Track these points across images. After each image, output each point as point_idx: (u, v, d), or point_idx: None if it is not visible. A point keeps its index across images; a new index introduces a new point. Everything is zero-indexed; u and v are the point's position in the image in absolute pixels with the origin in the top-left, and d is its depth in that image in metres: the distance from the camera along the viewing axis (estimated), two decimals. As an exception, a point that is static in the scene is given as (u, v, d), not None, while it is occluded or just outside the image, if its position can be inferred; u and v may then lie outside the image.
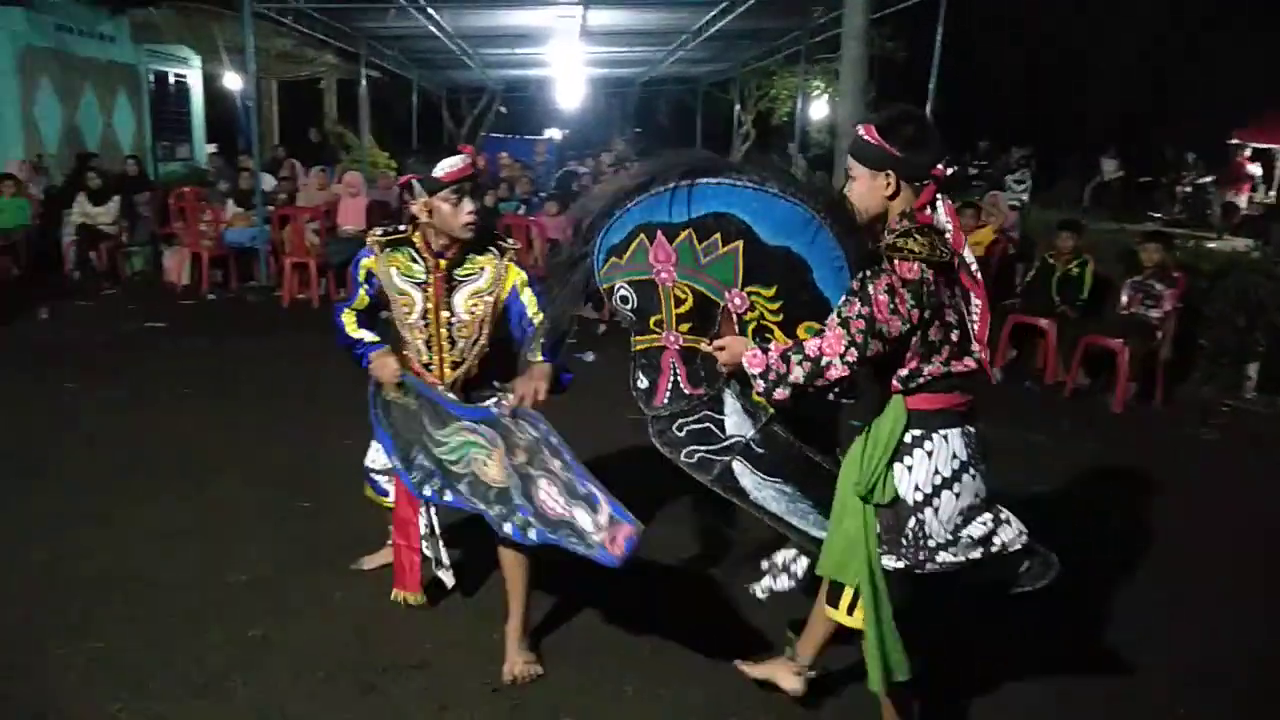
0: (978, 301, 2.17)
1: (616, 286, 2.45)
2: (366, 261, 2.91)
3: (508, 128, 25.74)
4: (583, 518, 2.56)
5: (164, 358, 6.66)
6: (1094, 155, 16.09)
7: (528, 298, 2.87)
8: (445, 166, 2.70)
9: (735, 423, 2.45)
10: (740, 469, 2.46)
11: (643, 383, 2.50)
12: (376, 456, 3.21)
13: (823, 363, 2.09)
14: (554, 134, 26.85)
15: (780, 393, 2.16)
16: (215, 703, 2.68)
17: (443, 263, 2.83)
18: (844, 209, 2.24)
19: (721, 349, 2.31)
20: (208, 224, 9.45)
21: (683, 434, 2.46)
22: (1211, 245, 8.49)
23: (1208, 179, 15.78)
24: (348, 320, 2.99)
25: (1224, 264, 6.87)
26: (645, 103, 25.88)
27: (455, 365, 2.90)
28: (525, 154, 15.15)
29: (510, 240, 2.95)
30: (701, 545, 3.81)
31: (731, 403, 2.45)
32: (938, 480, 2.16)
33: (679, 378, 2.45)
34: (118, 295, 9.01)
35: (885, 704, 2.37)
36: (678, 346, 2.43)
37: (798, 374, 2.12)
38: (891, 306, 2.04)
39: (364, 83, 15.72)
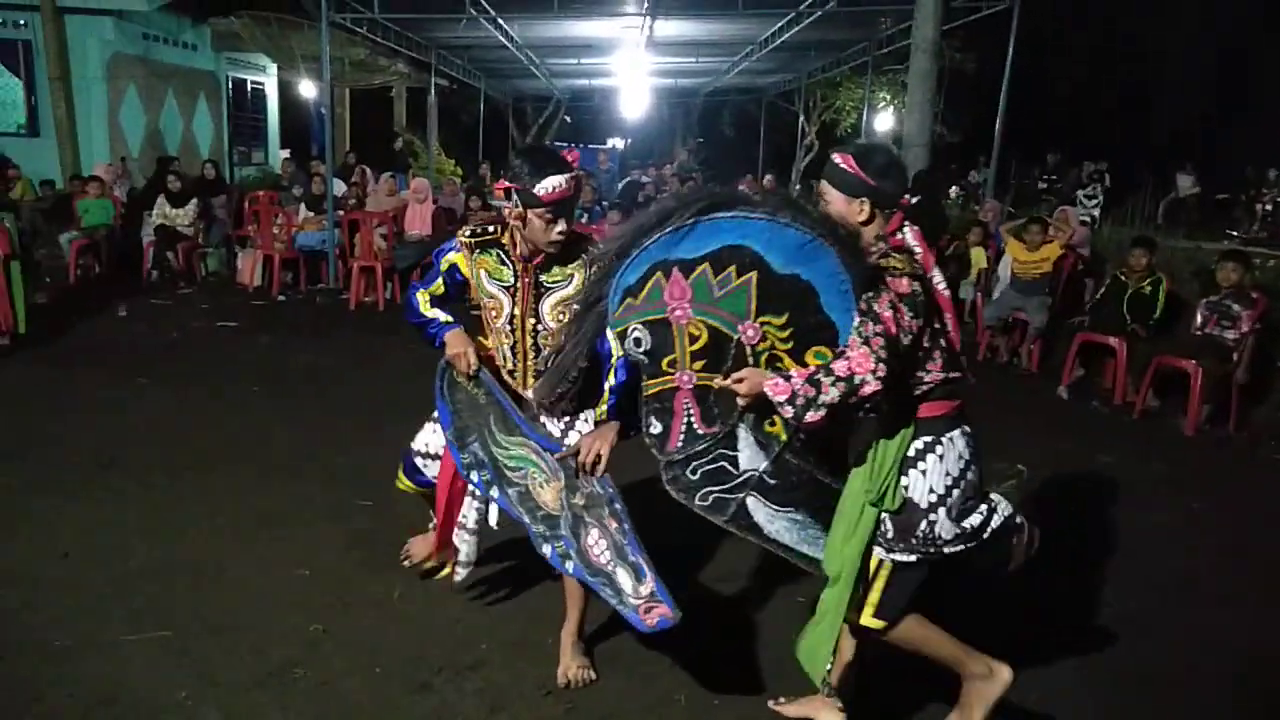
0: (948, 315, 2.33)
1: (630, 329, 2.43)
2: (453, 256, 2.84)
3: (572, 136, 25.99)
4: (625, 580, 2.56)
5: (234, 356, 6.86)
6: (1170, 171, 15.66)
7: None
8: (548, 185, 2.57)
9: (749, 457, 2.45)
10: (754, 504, 2.46)
11: (655, 428, 2.47)
12: (428, 439, 3.08)
13: (856, 380, 2.15)
14: (617, 143, 27.04)
15: (813, 415, 2.19)
16: (276, 693, 2.75)
17: (530, 267, 2.75)
18: (850, 234, 2.32)
19: (740, 381, 2.31)
20: (280, 227, 9.71)
21: (696, 476, 2.46)
22: (1293, 265, 8.19)
23: (1290, 196, 15.23)
24: (422, 299, 2.90)
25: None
26: (709, 113, 25.90)
27: (539, 374, 2.78)
28: (589, 163, 15.26)
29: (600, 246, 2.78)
30: (756, 558, 3.79)
31: (745, 437, 2.44)
32: (948, 481, 2.28)
33: (692, 418, 2.44)
34: (193, 295, 9.30)
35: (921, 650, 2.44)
36: (691, 385, 2.42)
37: (833, 394, 2.16)
38: (897, 320, 2.16)
39: (433, 92, 16.02)
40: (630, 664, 2.99)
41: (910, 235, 2.33)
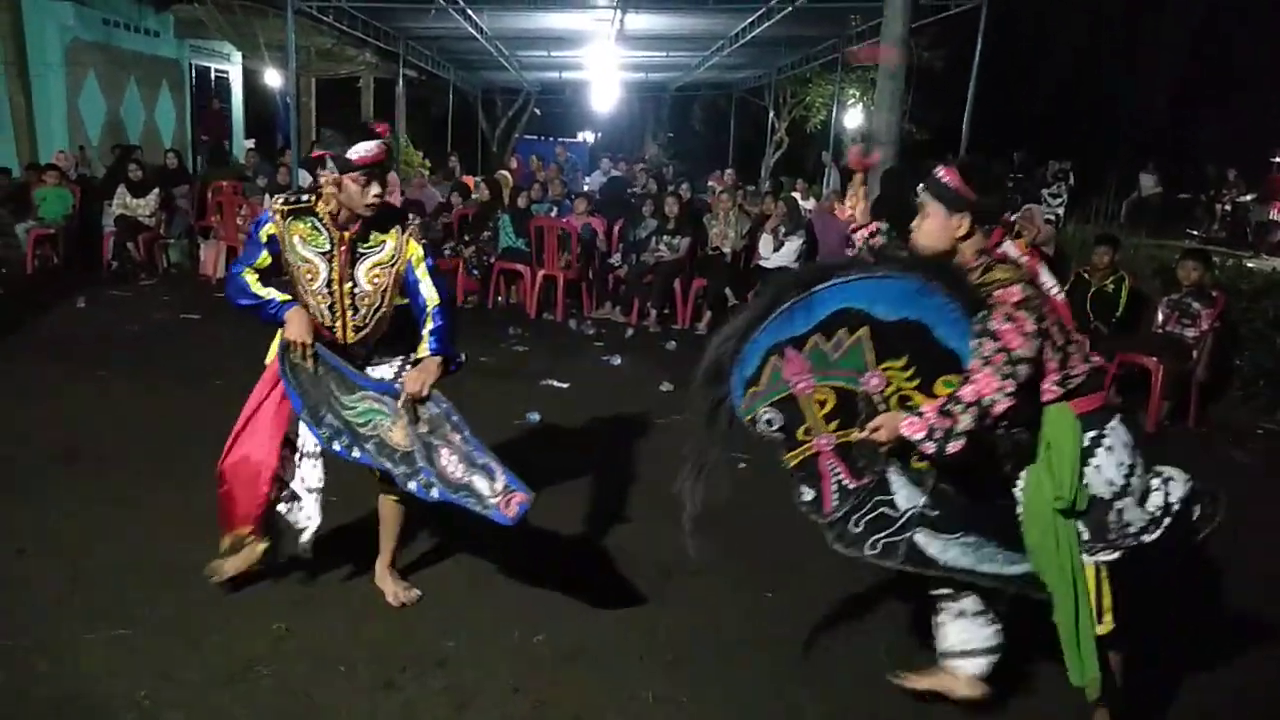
0: (1064, 318, 2.38)
1: (760, 414, 2.51)
2: (269, 226, 2.98)
3: (542, 130, 25.86)
4: (481, 484, 2.85)
5: (196, 348, 6.74)
6: (1132, 170, 15.91)
7: (422, 272, 3.02)
8: (360, 150, 2.82)
9: (906, 496, 2.49)
10: (924, 539, 2.49)
11: (808, 495, 2.54)
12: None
13: (984, 402, 2.22)
14: (587, 136, 26.94)
15: (954, 445, 2.25)
16: (239, 693, 2.71)
17: (347, 235, 2.96)
18: (945, 266, 2.38)
19: (878, 429, 2.38)
20: (244, 218, 9.56)
21: (860, 529, 2.50)
22: (1251, 264, 8.36)
23: (1248, 196, 15.54)
24: (250, 278, 3.02)
25: (1263, 284, 6.76)
26: (679, 107, 25.92)
27: (358, 329, 3.04)
28: (555, 157, 15.20)
29: (412, 216, 3.07)
30: (723, 552, 3.80)
31: (897, 479, 2.50)
32: (1126, 470, 2.30)
33: (841, 476, 2.50)
34: (154, 286, 9.14)
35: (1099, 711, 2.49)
36: (831, 446, 2.50)
37: (966, 421, 2.22)
38: (1016, 330, 2.20)
39: (401, 82, 15.85)
40: (600, 662, 2.99)
41: (1012, 248, 2.37)
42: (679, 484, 2.65)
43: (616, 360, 6.99)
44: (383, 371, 3.11)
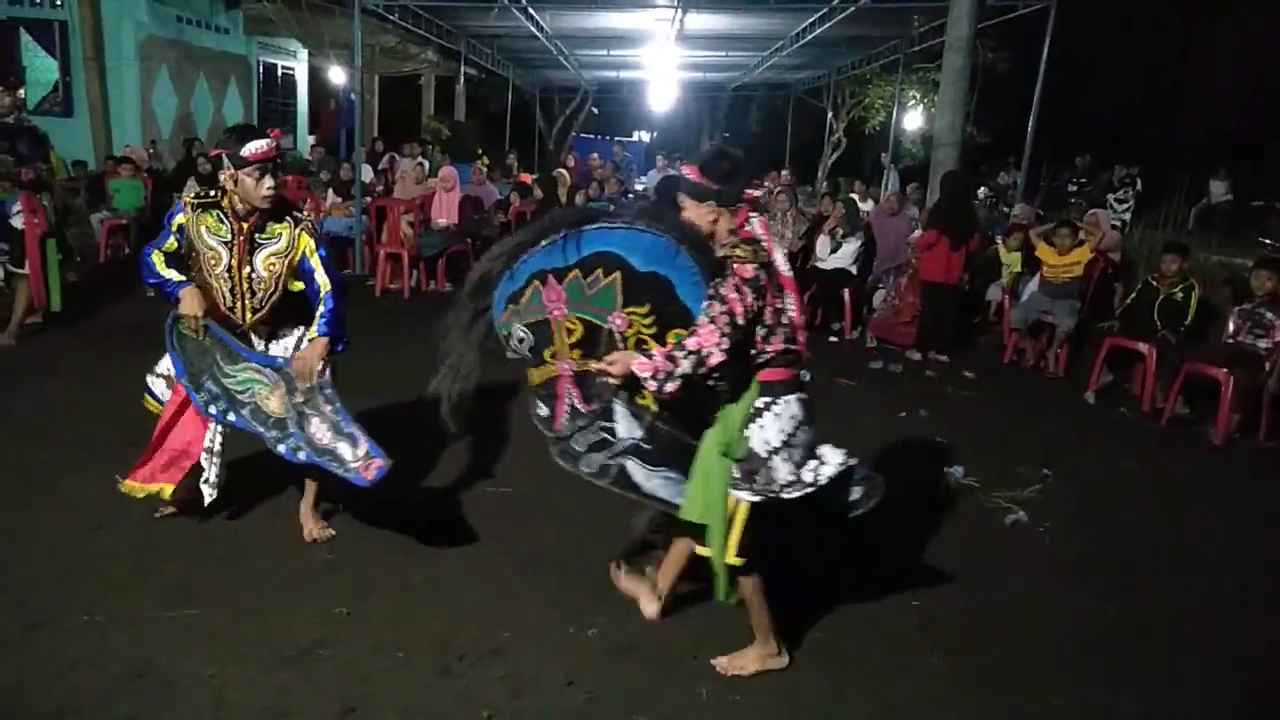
0: (791, 295, 2.70)
1: (514, 330, 2.83)
2: (180, 218, 3.36)
3: (598, 128, 25.97)
4: (344, 450, 3.27)
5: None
6: (1202, 176, 15.46)
7: (315, 261, 3.39)
8: (252, 148, 3.16)
9: (625, 426, 2.83)
10: (633, 467, 2.86)
11: (543, 410, 2.89)
12: (165, 364, 3.57)
13: (703, 353, 2.55)
14: (643, 136, 26.97)
15: (672, 386, 2.58)
16: (301, 674, 2.78)
17: (246, 226, 3.31)
18: (697, 234, 2.72)
19: (613, 363, 2.69)
20: (307, 212, 9.75)
21: (581, 448, 2.86)
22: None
23: (1326, 205, 15.02)
24: (157, 260, 3.40)
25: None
26: (736, 107, 25.82)
27: (255, 311, 3.40)
28: (610, 155, 15.25)
29: (306, 211, 3.43)
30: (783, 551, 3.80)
31: (621, 410, 2.82)
32: (783, 436, 2.66)
33: (574, 399, 2.84)
34: (220, 277, 9.34)
35: (750, 605, 2.86)
36: (571, 372, 2.83)
37: (685, 366, 2.56)
38: (740, 300, 2.54)
39: (462, 80, 16.04)
40: (654, 657, 3.00)
41: (758, 226, 2.70)
42: (435, 383, 2.95)
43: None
44: (285, 343, 3.50)
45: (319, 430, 3.30)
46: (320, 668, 2.82)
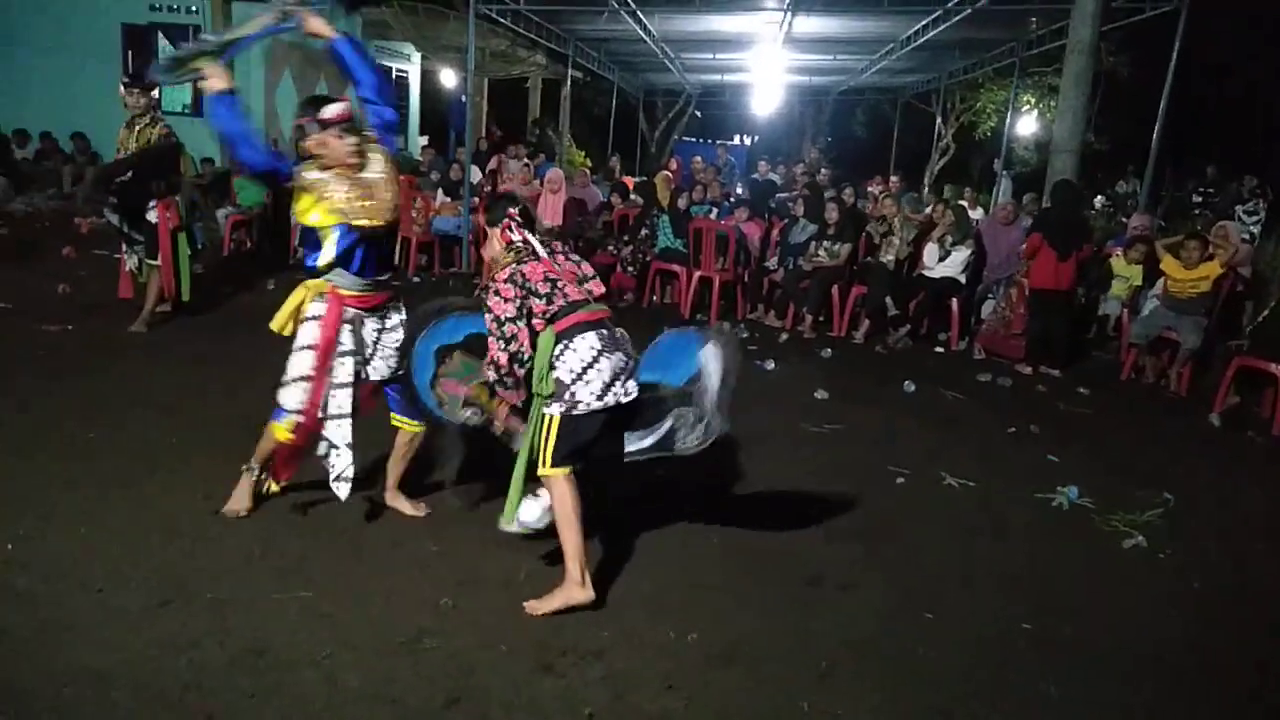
0: (559, 256, 3.34)
1: (462, 416, 3.49)
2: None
3: (700, 132, 25.97)
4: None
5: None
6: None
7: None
8: (330, 111, 3.35)
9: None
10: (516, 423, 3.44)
11: (474, 419, 3.52)
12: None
13: (496, 359, 3.18)
14: (745, 139, 26.82)
15: (513, 392, 3.25)
16: (409, 661, 2.85)
17: None
18: (442, 309, 3.53)
19: (504, 401, 3.38)
20: (418, 211, 10.04)
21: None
22: None
23: None
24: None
25: None
26: (841, 111, 25.45)
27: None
28: (715, 158, 15.22)
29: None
30: (876, 565, 3.72)
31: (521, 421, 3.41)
32: (579, 368, 3.14)
33: (519, 426, 3.41)
34: (334, 272, 9.68)
35: (562, 526, 3.20)
36: (507, 411, 3.44)
37: (496, 374, 3.20)
38: (502, 298, 3.18)
39: (568, 83, 16.24)
40: (749, 665, 2.98)
41: (516, 233, 3.30)
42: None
43: (770, 365, 6.94)
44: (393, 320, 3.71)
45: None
46: (427, 657, 2.88)
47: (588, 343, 3.17)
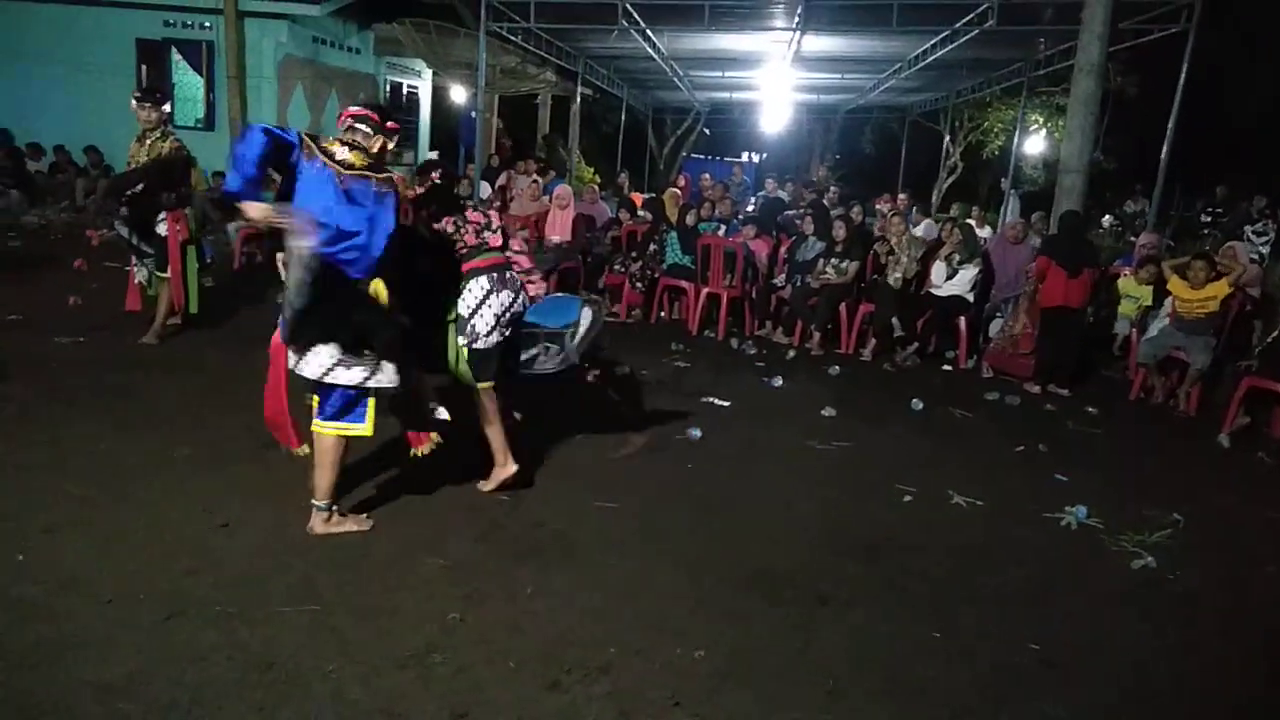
0: (471, 214, 4.17)
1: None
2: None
3: (708, 149, 26.04)
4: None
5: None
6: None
7: None
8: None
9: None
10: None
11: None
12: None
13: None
14: (752, 157, 26.89)
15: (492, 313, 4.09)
16: (416, 676, 2.85)
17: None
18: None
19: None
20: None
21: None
22: None
23: None
24: None
25: None
26: (849, 129, 25.53)
27: None
28: (726, 175, 15.26)
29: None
30: (884, 584, 3.71)
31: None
32: (474, 303, 3.98)
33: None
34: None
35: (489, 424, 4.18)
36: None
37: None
38: (459, 230, 4.06)
39: (578, 100, 16.33)
40: (755, 682, 2.97)
41: (449, 226, 4.07)
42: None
43: (778, 381, 6.94)
44: None
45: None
46: (434, 672, 2.88)
47: (480, 284, 4.00)
